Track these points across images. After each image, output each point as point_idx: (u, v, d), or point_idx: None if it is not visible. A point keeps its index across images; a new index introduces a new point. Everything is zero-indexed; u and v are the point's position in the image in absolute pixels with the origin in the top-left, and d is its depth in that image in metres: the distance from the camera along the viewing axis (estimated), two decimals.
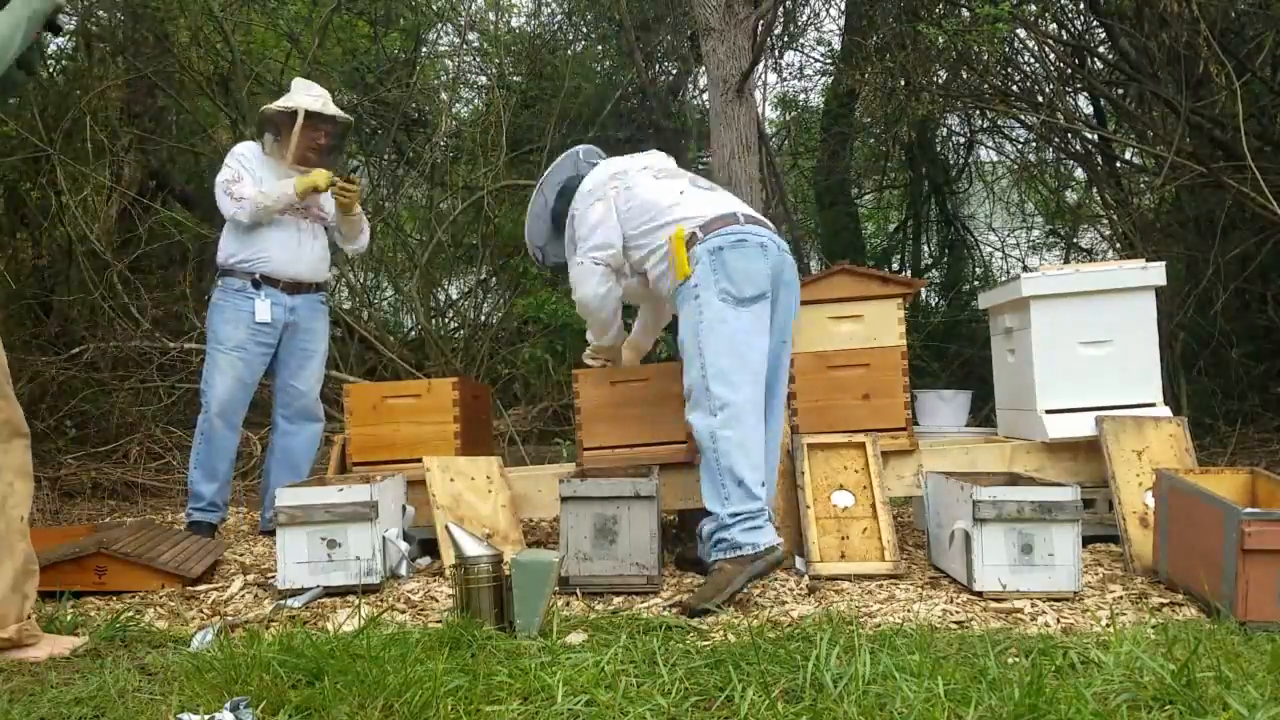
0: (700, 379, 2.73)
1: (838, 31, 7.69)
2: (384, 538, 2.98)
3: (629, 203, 3.01)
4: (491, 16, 7.72)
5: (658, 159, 3.22)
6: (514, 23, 7.94)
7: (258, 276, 3.76)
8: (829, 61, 7.33)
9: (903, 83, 5.81)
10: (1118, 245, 5.98)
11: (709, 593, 2.61)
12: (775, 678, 1.94)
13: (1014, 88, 5.95)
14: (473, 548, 2.47)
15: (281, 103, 3.84)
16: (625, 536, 2.84)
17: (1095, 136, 6.07)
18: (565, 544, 2.86)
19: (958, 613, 2.55)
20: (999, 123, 6.87)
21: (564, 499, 2.88)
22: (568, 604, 2.74)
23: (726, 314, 2.73)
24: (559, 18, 7.93)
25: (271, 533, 3.22)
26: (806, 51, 8.27)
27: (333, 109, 3.88)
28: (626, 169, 3.10)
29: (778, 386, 2.97)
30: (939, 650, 2.13)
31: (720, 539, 2.68)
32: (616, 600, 2.77)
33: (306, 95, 3.85)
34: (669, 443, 3.32)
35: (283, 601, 2.80)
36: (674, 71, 7.62)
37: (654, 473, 2.98)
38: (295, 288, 3.83)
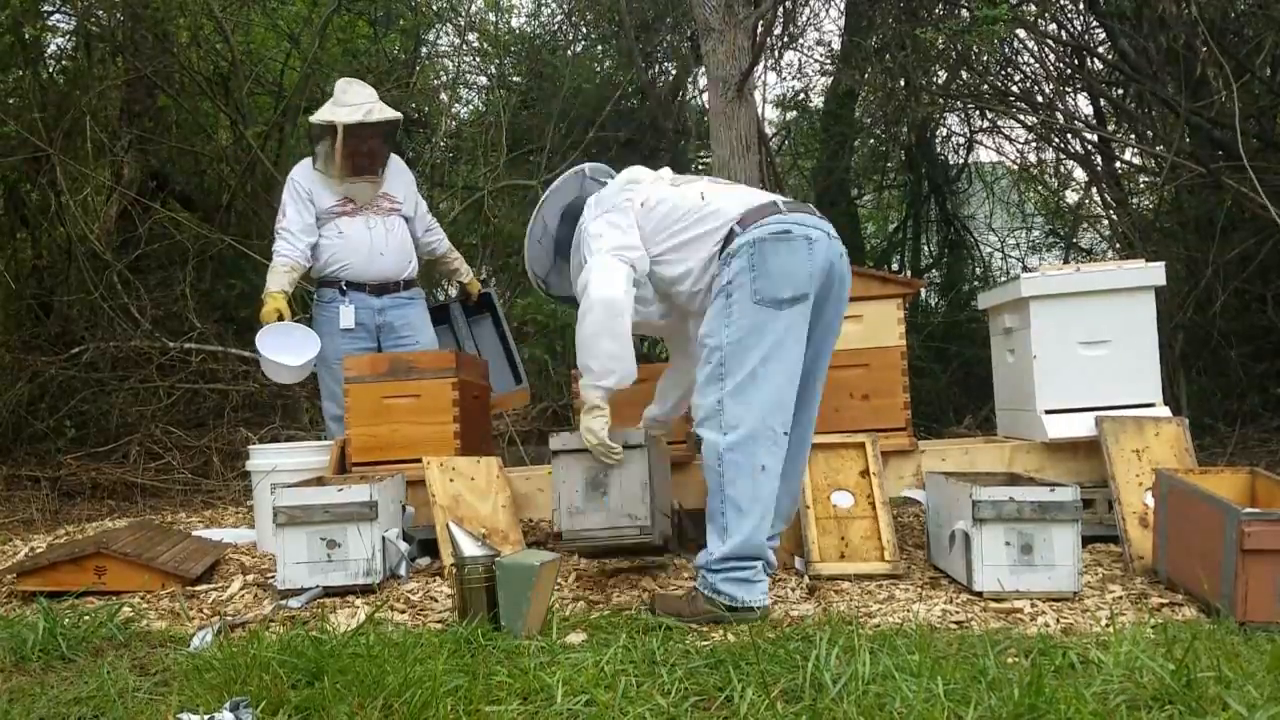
0: (718, 388, 2.49)
1: (838, 32, 7.70)
2: (384, 538, 2.98)
3: (650, 214, 2.67)
4: (491, 17, 7.72)
5: (668, 172, 2.89)
6: (514, 23, 7.95)
7: (343, 284, 3.85)
8: (829, 62, 7.33)
9: (902, 83, 5.81)
10: (1117, 245, 5.98)
11: (672, 610, 2.52)
12: (775, 678, 1.94)
13: (1013, 88, 5.95)
14: (470, 548, 2.47)
15: (320, 115, 3.79)
16: (617, 488, 2.73)
17: (1095, 137, 6.07)
18: (557, 499, 2.77)
19: (957, 613, 2.55)
20: (999, 123, 6.87)
21: (555, 453, 2.78)
22: (569, 605, 2.74)
23: (760, 318, 2.46)
24: (559, 18, 7.93)
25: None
26: (806, 52, 8.29)
27: (376, 114, 3.77)
28: (639, 178, 2.77)
29: (814, 388, 2.71)
30: (939, 650, 2.13)
31: (704, 577, 2.51)
32: (617, 598, 2.76)
33: (344, 106, 3.76)
34: (668, 443, 3.32)
35: (282, 602, 2.80)
36: (674, 72, 7.63)
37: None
38: (381, 289, 3.87)
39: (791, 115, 8.43)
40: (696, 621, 2.47)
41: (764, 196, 2.66)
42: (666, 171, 2.90)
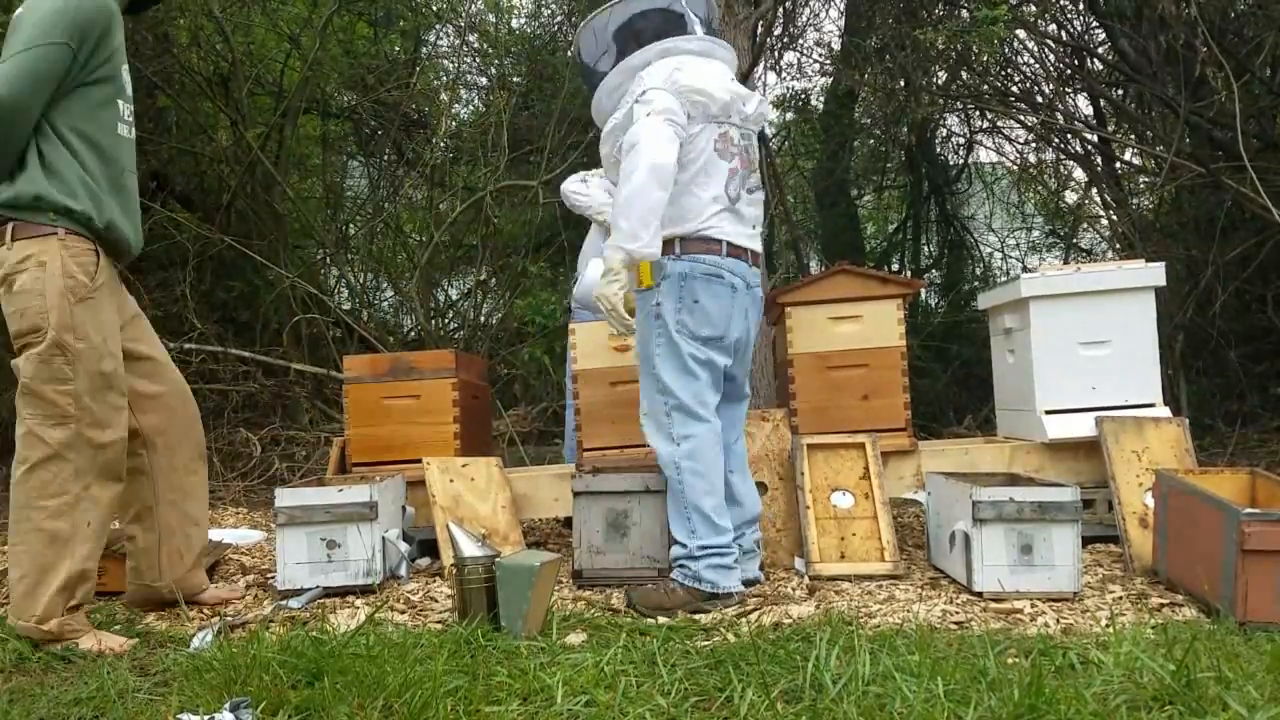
0: (661, 405, 2.69)
1: (837, 32, 7.70)
2: (384, 538, 2.98)
3: (687, 141, 2.62)
4: (491, 18, 7.72)
5: (750, 111, 2.75)
6: (514, 24, 7.95)
7: None
8: (829, 62, 7.33)
9: (902, 83, 5.81)
10: (1117, 245, 5.99)
11: (651, 602, 2.63)
12: (775, 678, 1.94)
13: (1013, 88, 5.95)
14: (469, 548, 2.47)
15: None
16: (636, 530, 2.95)
17: (1095, 137, 6.07)
18: (578, 538, 2.96)
19: (957, 613, 2.55)
20: (999, 123, 6.87)
21: (576, 494, 2.98)
22: (569, 605, 2.74)
23: (682, 347, 2.66)
24: (559, 19, 7.93)
25: None
26: (806, 52, 8.28)
27: None
28: (709, 100, 2.62)
29: (738, 407, 2.91)
30: (939, 651, 2.13)
31: (684, 566, 2.66)
32: (617, 599, 2.77)
33: None
34: None
35: (282, 602, 2.80)
36: None
37: None
38: None
39: (791, 116, 8.43)
40: (673, 612, 2.60)
41: (723, 230, 2.67)
42: (750, 107, 2.75)
